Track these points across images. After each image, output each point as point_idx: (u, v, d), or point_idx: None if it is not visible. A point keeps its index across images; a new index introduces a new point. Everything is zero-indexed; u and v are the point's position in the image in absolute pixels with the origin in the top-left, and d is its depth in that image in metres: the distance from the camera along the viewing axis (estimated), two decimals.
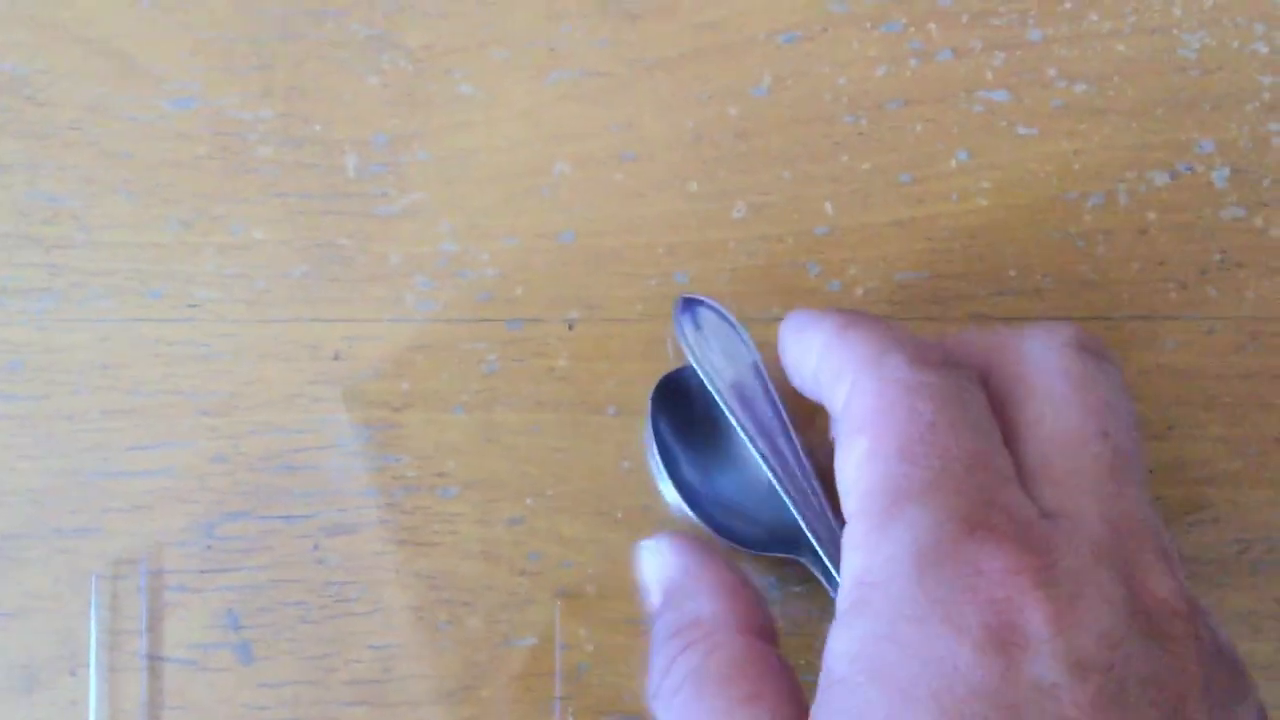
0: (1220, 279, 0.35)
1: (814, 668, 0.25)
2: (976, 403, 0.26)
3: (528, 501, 0.34)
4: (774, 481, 0.31)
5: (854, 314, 0.29)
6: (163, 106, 0.35)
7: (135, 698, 0.33)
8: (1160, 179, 0.35)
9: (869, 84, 0.35)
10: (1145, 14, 0.35)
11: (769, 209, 0.35)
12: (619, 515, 0.34)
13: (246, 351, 0.34)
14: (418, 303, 0.34)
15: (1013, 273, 0.35)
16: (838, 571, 0.30)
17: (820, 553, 0.30)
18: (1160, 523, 0.26)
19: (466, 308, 0.34)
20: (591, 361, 0.34)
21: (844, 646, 0.24)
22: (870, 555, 0.24)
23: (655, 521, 0.34)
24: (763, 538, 0.32)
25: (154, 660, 0.33)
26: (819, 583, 0.32)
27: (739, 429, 0.31)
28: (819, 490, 0.30)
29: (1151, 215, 0.35)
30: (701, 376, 0.32)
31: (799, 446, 0.31)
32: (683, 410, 0.33)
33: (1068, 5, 0.35)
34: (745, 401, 0.31)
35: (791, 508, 0.30)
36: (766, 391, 0.31)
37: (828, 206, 0.35)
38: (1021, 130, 0.35)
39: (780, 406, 0.31)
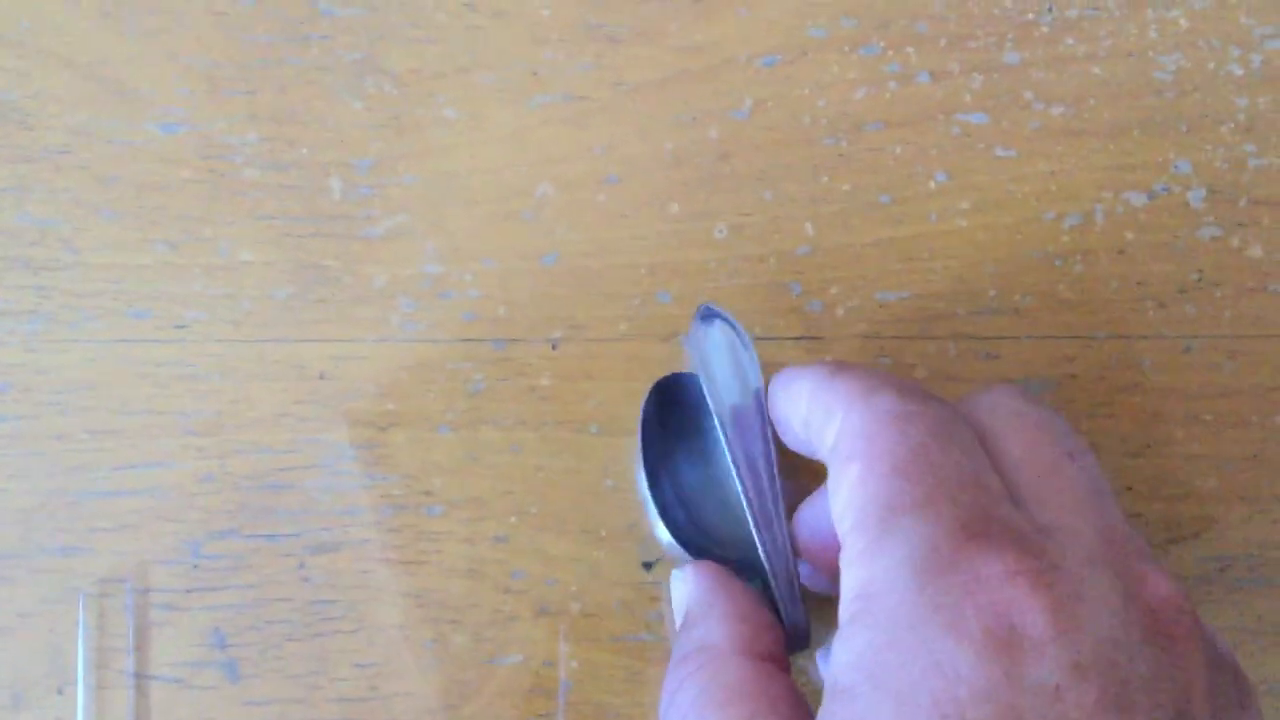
0: (1198, 298, 0.35)
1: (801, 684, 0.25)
2: (964, 432, 0.27)
3: (512, 520, 0.34)
4: (745, 509, 0.31)
5: (841, 362, 0.29)
6: (151, 130, 0.35)
7: (122, 716, 0.33)
8: (1137, 199, 0.35)
9: (849, 106, 0.35)
10: (1121, 37, 0.36)
11: (750, 230, 0.35)
12: (603, 533, 0.34)
13: (233, 372, 0.34)
14: (403, 323, 0.35)
15: (992, 292, 0.35)
16: (787, 606, 0.31)
17: (772, 584, 0.30)
18: (1143, 539, 0.26)
19: (451, 328, 0.35)
20: (575, 381, 0.35)
21: (846, 657, 0.24)
22: (868, 567, 0.25)
23: (639, 539, 0.34)
24: (727, 558, 0.33)
25: (141, 679, 0.33)
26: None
27: (727, 450, 0.31)
28: (784, 527, 0.31)
29: (1129, 235, 0.35)
30: (705, 391, 0.32)
31: (777, 482, 0.31)
32: (673, 412, 0.33)
33: (1044, 29, 0.36)
34: (740, 427, 0.31)
35: (755, 535, 0.31)
36: (762, 421, 0.31)
37: (808, 227, 0.35)
38: (1000, 152, 0.35)
39: (770, 441, 0.31)
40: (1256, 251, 0.35)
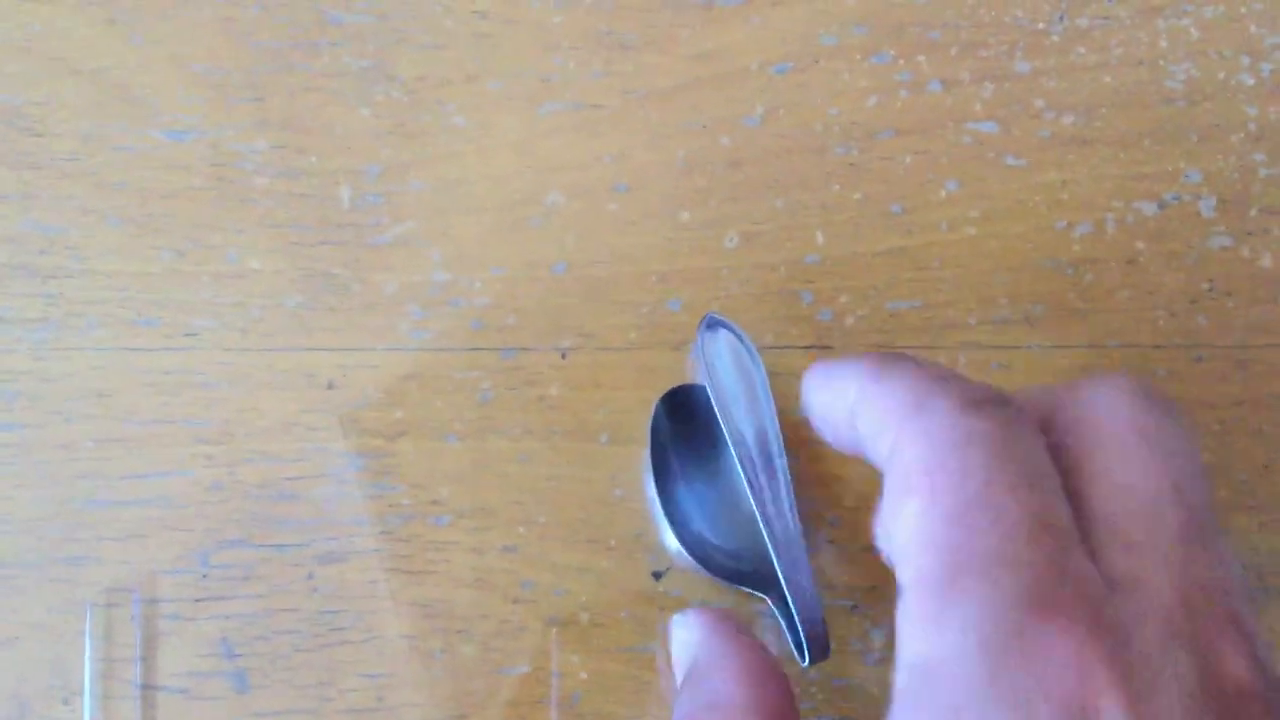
0: (1209, 307, 0.35)
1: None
2: (1034, 451, 0.24)
3: (520, 530, 0.34)
4: (759, 520, 0.31)
5: (886, 357, 0.26)
6: (158, 138, 0.35)
7: None
8: (1148, 209, 0.35)
9: (860, 115, 0.35)
10: (1132, 46, 0.36)
11: (761, 238, 0.35)
12: (611, 543, 0.34)
13: (242, 380, 0.34)
14: (411, 332, 0.35)
15: (1003, 301, 0.35)
16: (800, 619, 0.30)
17: (788, 595, 0.30)
18: (1237, 584, 0.24)
19: (460, 337, 0.35)
20: (584, 390, 0.34)
21: None
22: (931, 637, 0.23)
23: (648, 549, 0.34)
24: (739, 570, 0.33)
25: (148, 689, 0.33)
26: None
27: (736, 459, 0.31)
28: (799, 536, 0.30)
29: (1140, 244, 0.35)
30: (712, 401, 0.32)
31: (791, 492, 0.31)
32: (684, 421, 0.33)
33: (1055, 38, 0.36)
34: (749, 437, 0.31)
35: (770, 546, 0.30)
36: (773, 431, 0.31)
37: (819, 236, 0.35)
38: (1010, 161, 0.35)
39: (781, 450, 0.31)
40: (1267, 261, 0.35)
